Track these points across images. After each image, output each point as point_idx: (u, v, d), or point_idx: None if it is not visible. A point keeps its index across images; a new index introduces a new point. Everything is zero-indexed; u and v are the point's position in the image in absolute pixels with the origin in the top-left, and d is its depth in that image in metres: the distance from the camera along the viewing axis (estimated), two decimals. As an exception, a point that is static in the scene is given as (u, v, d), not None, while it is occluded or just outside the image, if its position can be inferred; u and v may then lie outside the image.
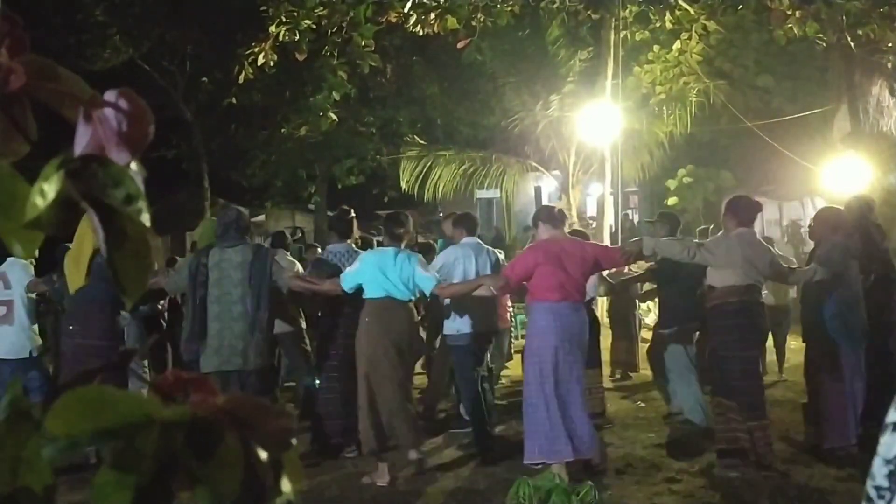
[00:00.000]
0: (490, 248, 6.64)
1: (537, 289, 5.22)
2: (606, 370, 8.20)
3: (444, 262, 6.27)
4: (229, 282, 5.31)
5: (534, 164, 14.27)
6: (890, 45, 9.96)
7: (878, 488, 1.36)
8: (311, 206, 19.98)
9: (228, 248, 5.36)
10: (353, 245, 6.42)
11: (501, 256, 6.84)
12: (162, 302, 7.52)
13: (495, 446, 6.12)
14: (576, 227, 13.21)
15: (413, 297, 5.60)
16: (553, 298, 5.15)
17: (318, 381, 6.34)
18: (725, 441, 5.46)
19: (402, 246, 5.63)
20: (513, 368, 8.74)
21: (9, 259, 6.33)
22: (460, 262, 6.20)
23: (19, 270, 6.36)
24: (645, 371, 8.30)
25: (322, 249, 7.68)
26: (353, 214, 6.53)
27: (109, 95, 0.58)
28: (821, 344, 5.83)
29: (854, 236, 6.03)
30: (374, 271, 5.47)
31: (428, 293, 5.64)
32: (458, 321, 6.12)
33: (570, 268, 5.20)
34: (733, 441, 5.43)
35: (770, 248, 5.90)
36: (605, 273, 6.63)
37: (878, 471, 1.36)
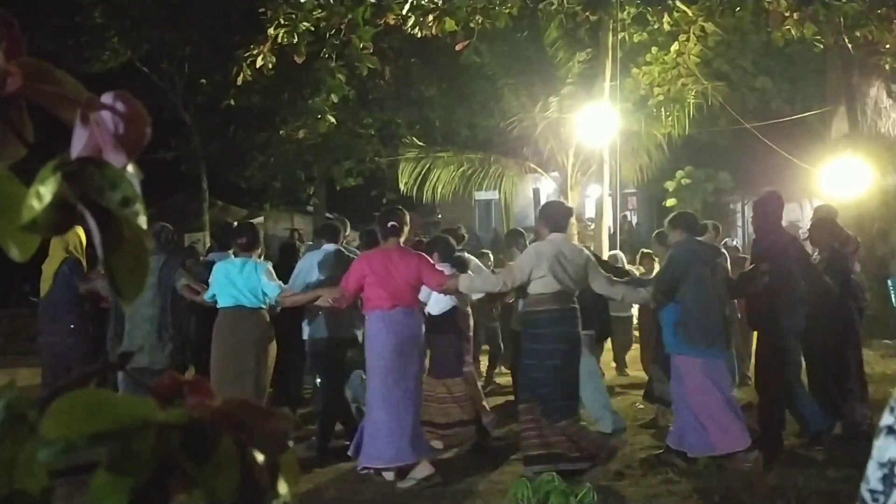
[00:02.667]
0: (353, 254, 6.59)
1: (369, 298, 5.45)
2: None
3: (302, 267, 6.49)
4: (147, 286, 5.58)
5: (532, 165, 14.27)
6: (888, 46, 9.98)
7: (872, 491, 1.36)
8: (310, 208, 19.97)
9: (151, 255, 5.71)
10: (344, 249, 6.67)
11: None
12: None
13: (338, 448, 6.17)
14: (575, 228, 13.31)
15: (263, 305, 5.78)
16: (384, 307, 5.38)
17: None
18: (532, 447, 5.44)
19: (253, 255, 5.87)
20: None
21: None
22: (315, 268, 6.37)
23: None
24: (643, 372, 8.29)
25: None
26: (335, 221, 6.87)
27: (106, 98, 0.58)
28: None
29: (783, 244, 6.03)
30: (224, 281, 5.73)
31: (273, 301, 5.82)
32: (314, 327, 6.34)
33: (398, 276, 5.40)
34: (544, 446, 5.41)
35: (590, 256, 5.76)
36: None
37: (873, 474, 1.36)
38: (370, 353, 5.44)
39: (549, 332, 5.42)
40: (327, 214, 20.06)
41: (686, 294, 5.65)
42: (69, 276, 6.51)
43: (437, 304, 6.19)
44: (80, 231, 6.30)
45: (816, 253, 6.74)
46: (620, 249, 10.59)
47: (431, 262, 5.74)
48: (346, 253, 6.52)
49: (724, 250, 6.62)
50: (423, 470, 5.43)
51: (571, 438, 5.44)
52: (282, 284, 5.85)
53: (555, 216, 5.64)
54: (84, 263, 6.64)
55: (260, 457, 0.53)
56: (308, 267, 6.44)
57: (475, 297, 6.44)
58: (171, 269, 5.92)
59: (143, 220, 0.56)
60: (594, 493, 4.81)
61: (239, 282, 5.69)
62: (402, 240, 5.66)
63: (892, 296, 10.17)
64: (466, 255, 6.98)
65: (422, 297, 5.77)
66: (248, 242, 5.91)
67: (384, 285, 5.38)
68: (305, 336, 6.46)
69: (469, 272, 6.43)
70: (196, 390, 0.55)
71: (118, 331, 6.00)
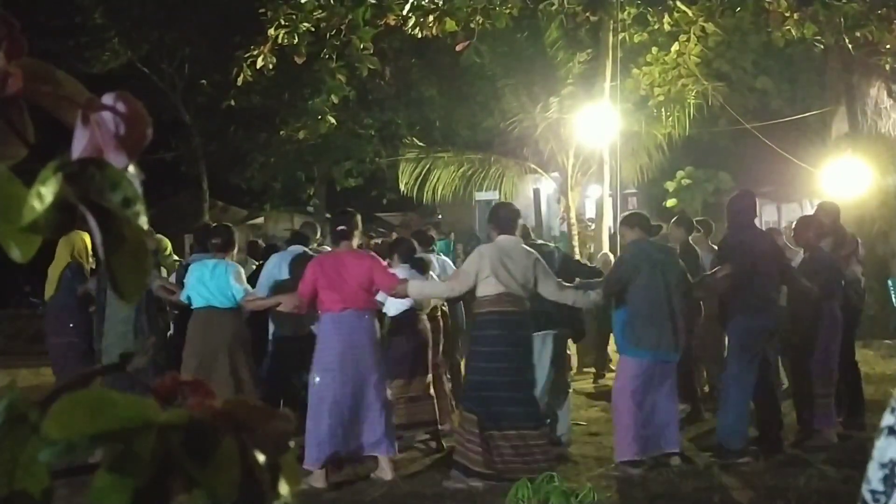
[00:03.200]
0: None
1: (321, 301, 5.49)
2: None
3: (268, 269, 6.60)
4: None
5: (532, 165, 14.27)
6: (888, 46, 9.98)
7: (873, 492, 1.36)
8: (310, 209, 19.98)
9: None
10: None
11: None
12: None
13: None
14: (575, 229, 13.30)
15: (235, 306, 5.86)
16: (335, 309, 5.42)
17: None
18: (463, 455, 5.37)
19: (227, 256, 5.97)
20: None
21: None
22: (281, 270, 6.48)
23: None
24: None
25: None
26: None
27: (107, 98, 0.58)
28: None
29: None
30: (196, 282, 5.83)
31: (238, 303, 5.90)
32: (278, 325, 6.48)
33: (349, 278, 5.42)
34: (461, 454, 5.36)
35: (538, 258, 5.58)
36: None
37: (874, 475, 1.36)
38: (319, 353, 5.47)
39: (493, 334, 5.34)
40: (327, 215, 20.10)
41: (634, 295, 5.58)
42: (71, 280, 6.80)
43: (393, 305, 6.15)
44: (86, 236, 6.47)
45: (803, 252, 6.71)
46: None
47: (384, 264, 5.75)
48: (312, 255, 6.56)
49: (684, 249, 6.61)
50: (387, 473, 5.45)
51: (518, 449, 5.30)
52: (248, 287, 5.92)
53: (503, 218, 5.60)
54: (87, 267, 6.92)
55: (261, 457, 0.54)
56: (274, 269, 6.54)
57: (433, 301, 6.40)
58: None
59: (144, 221, 0.56)
60: (594, 493, 4.81)
61: (210, 283, 5.78)
62: (354, 242, 5.66)
63: (893, 296, 10.17)
64: (428, 256, 6.91)
65: (380, 297, 5.78)
66: (222, 243, 6.00)
67: (336, 288, 5.41)
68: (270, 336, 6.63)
69: (431, 273, 6.41)
70: (197, 391, 0.55)
71: (99, 330, 6.37)
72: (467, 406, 5.46)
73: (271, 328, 6.61)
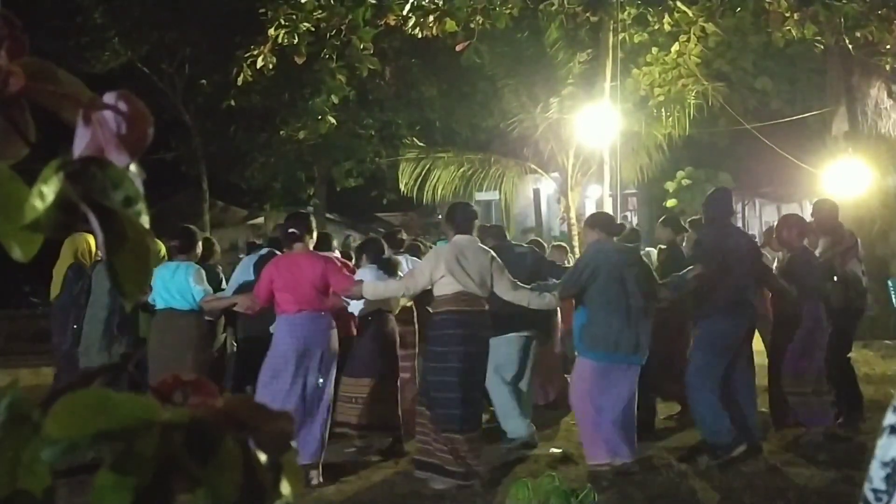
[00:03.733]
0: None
1: (277, 302, 5.53)
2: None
3: (238, 271, 6.68)
4: (100, 290, 6.35)
5: (533, 166, 14.27)
6: (888, 47, 9.98)
7: (875, 491, 1.36)
8: (310, 209, 19.99)
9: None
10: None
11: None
12: None
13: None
14: (575, 229, 13.30)
15: (196, 308, 5.90)
16: (290, 311, 5.45)
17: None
18: (420, 452, 5.39)
19: (189, 257, 6.05)
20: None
21: None
22: (249, 271, 6.52)
23: None
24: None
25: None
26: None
27: (108, 97, 0.58)
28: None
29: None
30: (159, 284, 5.90)
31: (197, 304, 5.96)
32: (241, 326, 6.60)
33: (304, 280, 5.44)
34: (426, 453, 5.34)
35: (494, 257, 5.52)
36: None
37: (876, 474, 1.36)
38: (271, 354, 5.48)
39: (448, 333, 5.29)
40: (327, 215, 20.11)
41: (592, 296, 5.49)
42: (73, 281, 6.86)
43: (357, 305, 6.12)
44: (90, 237, 6.52)
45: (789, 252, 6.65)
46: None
47: (339, 266, 5.74)
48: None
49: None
50: (315, 478, 5.43)
51: (458, 452, 5.25)
52: (207, 288, 5.95)
53: (459, 218, 5.56)
54: (87, 269, 6.93)
55: (263, 457, 0.53)
56: (243, 270, 6.60)
57: (402, 301, 6.32)
58: None
59: (145, 220, 0.56)
60: (594, 493, 4.81)
61: (171, 284, 5.85)
62: (309, 244, 5.63)
63: (893, 296, 10.17)
64: (396, 258, 6.85)
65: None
66: (183, 246, 6.08)
67: (291, 290, 5.44)
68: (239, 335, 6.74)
69: (400, 275, 6.36)
70: (199, 390, 0.55)
71: (79, 333, 6.54)
72: (426, 404, 5.41)
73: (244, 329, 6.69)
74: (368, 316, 6.23)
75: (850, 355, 6.71)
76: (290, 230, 5.63)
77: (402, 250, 7.35)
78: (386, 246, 6.98)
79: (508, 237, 8.13)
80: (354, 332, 6.37)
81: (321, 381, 5.46)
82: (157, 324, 5.93)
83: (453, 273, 5.30)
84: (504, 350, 6.18)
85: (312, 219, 5.85)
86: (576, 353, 5.83)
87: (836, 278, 6.47)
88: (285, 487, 0.55)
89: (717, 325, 5.72)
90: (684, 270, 5.95)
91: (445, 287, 5.34)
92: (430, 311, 5.64)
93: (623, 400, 5.50)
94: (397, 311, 6.38)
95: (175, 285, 5.85)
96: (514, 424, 6.24)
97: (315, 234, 5.79)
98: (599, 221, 5.90)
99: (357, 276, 6.02)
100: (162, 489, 0.50)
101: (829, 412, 6.26)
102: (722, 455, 5.63)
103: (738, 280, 5.76)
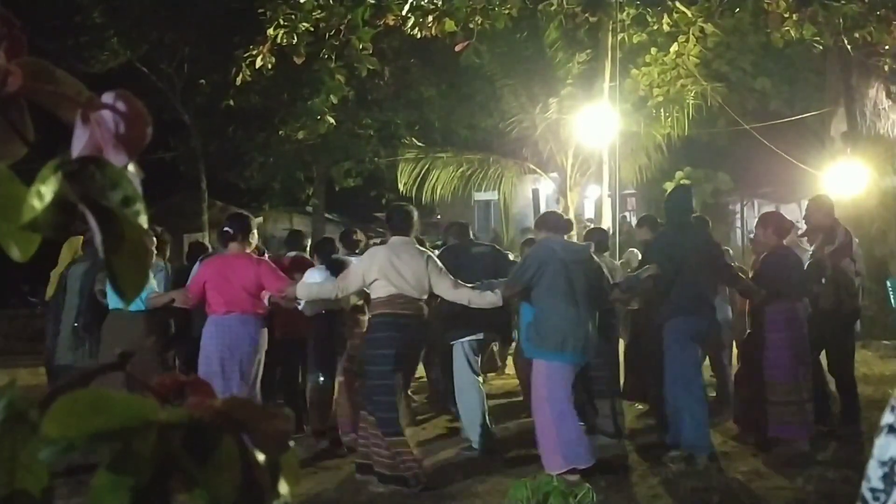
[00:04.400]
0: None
1: (208, 303, 5.53)
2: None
3: (195, 268, 6.61)
4: (71, 291, 6.45)
5: (532, 166, 14.28)
6: (887, 47, 10.00)
7: (873, 490, 1.36)
8: (309, 209, 20.00)
9: (79, 263, 6.53)
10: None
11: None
12: None
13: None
14: (574, 229, 13.29)
15: (143, 307, 5.87)
16: (219, 312, 5.47)
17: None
18: (362, 455, 5.32)
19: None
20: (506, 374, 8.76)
21: None
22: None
23: None
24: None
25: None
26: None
27: (107, 97, 0.58)
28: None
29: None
30: (110, 286, 5.77)
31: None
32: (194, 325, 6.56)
33: (235, 282, 5.43)
34: (366, 456, 5.29)
35: (431, 257, 5.45)
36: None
37: (873, 473, 1.36)
38: (201, 355, 5.49)
39: (384, 336, 5.18)
40: (326, 215, 20.09)
41: (539, 295, 5.35)
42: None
43: (308, 305, 6.09)
44: None
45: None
46: (619, 250, 10.58)
47: (273, 267, 5.70)
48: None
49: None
50: None
51: (402, 456, 5.17)
52: (154, 287, 5.92)
53: (396, 220, 5.50)
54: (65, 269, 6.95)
55: (261, 457, 0.53)
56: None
57: (352, 300, 6.22)
58: (90, 276, 6.33)
59: (144, 220, 0.56)
60: (593, 493, 4.81)
61: None
62: (244, 245, 5.59)
63: (891, 297, 10.18)
64: (348, 259, 6.83)
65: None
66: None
67: (221, 291, 5.44)
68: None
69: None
70: (197, 390, 0.55)
71: (55, 332, 6.63)
72: (368, 409, 5.30)
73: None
74: (318, 317, 6.22)
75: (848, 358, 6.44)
76: (225, 229, 5.61)
77: (357, 252, 7.21)
78: (342, 246, 6.96)
79: (508, 238, 8.11)
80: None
81: (250, 385, 5.47)
82: (108, 325, 5.95)
83: (387, 276, 5.21)
84: (460, 354, 6.14)
85: (252, 220, 5.82)
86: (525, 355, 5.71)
87: (823, 280, 6.23)
88: (283, 487, 0.55)
89: (678, 327, 5.61)
90: (639, 270, 5.85)
91: (380, 290, 5.24)
92: (369, 314, 5.54)
93: (570, 400, 5.35)
94: (348, 309, 6.28)
95: None
96: (478, 436, 6.08)
97: (254, 235, 5.74)
98: (546, 221, 5.80)
99: (307, 276, 5.98)
100: (160, 489, 0.50)
101: (811, 423, 5.97)
102: (696, 463, 5.51)
103: (698, 279, 5.63)
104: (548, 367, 5.32)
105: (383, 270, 5.23)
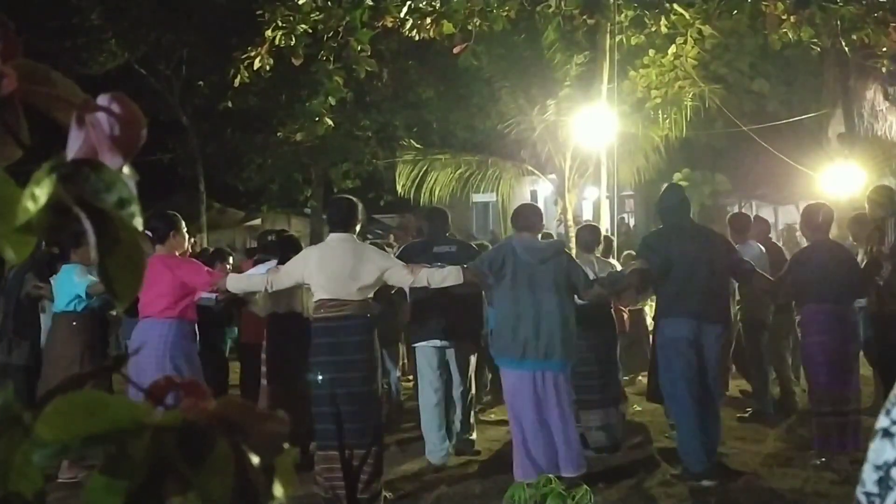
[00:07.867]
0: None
1: (141, 305, 5.29)
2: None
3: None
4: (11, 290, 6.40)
5: (530, 168, 14.27)
6: (884, 49, 10.00)
7: (867, 494, 1.36)
8: (307, 210, 20.00)
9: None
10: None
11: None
12: None
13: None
14: (572, 231, 13.29)
15: (77, 310, 5.79)
16: (144, 313, 5.30)
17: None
18: (324, 459, 4.95)
19: (74, 257, 5.88)
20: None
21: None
22: None
23: None
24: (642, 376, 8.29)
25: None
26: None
27: (102, 99, 0.58)
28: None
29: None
30: (55, 289, 5.93)
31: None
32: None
33: (151, 285, 5.12)
34: (330, 490, 4.94)
35: (374, 250, 5.22)
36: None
37: (868, 477, 1.36)
38: (131, 363, 5.42)
39: (318, 342, 4.87)
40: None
41: (500, 299, 5.13)
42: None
43: (266, 306, 5.98)
44: None
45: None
46: (618, 251, 10.59)
47: (197, 265, 5.53)
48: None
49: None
50: None
51: (321, 472, 4.86)
52: (91, 278, 5.69)
53: (333, 214, 5.12)
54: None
55: (255, 459, 0.53)
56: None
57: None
58: (17, 277, 6.24)
59: (139, 222, 0.56)
60: (591, 494, 4.81)
61: (59, 288, 5.88)
62: (171, 247, 5.39)
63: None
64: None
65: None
66: (71, 245, 5.92)
67: (142, 294, 5.16)
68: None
69: None
70: (191, 392, 0.55)
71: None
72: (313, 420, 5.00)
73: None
74: (281, 317, 5.94)
75: None
76: (150, 229, 5.35)
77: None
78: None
79: (503, 237, 8.05)
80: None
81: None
82: (52, 328, 5.94)
83: (316, 280, 4.88)
84: (420, 360, 5.99)
85: (177, 218, 5.55)
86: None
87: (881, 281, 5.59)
88: (278, 489, 0.55)
89: (661, 329, 5.45)
90: (623, 268, 5.75)
91: (315, 292, 4.95)
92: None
93: (553, 410, 5.08)
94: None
95: (60, 288, 5.84)
96: (430, 444, 5.89)
97: (182, 234, 5.54)
98: (516, 218, 5.52)
99: (251, 271, 5.87)
100: (154, 492, 0.50)
101: (859, 437, 5.41)
102: (687, 479, 5.34)
103: (683, 277, 5.36)
104: (510, 374, 5.17)
105: (312, 275, 4.89)
